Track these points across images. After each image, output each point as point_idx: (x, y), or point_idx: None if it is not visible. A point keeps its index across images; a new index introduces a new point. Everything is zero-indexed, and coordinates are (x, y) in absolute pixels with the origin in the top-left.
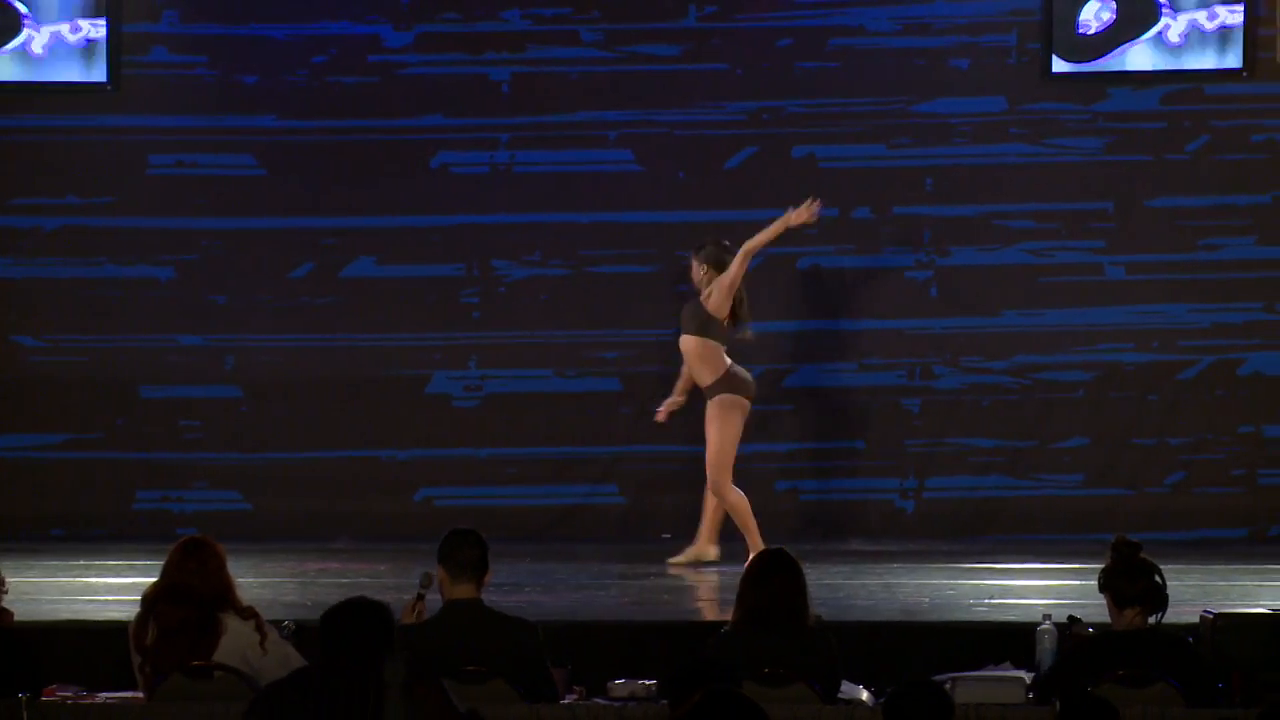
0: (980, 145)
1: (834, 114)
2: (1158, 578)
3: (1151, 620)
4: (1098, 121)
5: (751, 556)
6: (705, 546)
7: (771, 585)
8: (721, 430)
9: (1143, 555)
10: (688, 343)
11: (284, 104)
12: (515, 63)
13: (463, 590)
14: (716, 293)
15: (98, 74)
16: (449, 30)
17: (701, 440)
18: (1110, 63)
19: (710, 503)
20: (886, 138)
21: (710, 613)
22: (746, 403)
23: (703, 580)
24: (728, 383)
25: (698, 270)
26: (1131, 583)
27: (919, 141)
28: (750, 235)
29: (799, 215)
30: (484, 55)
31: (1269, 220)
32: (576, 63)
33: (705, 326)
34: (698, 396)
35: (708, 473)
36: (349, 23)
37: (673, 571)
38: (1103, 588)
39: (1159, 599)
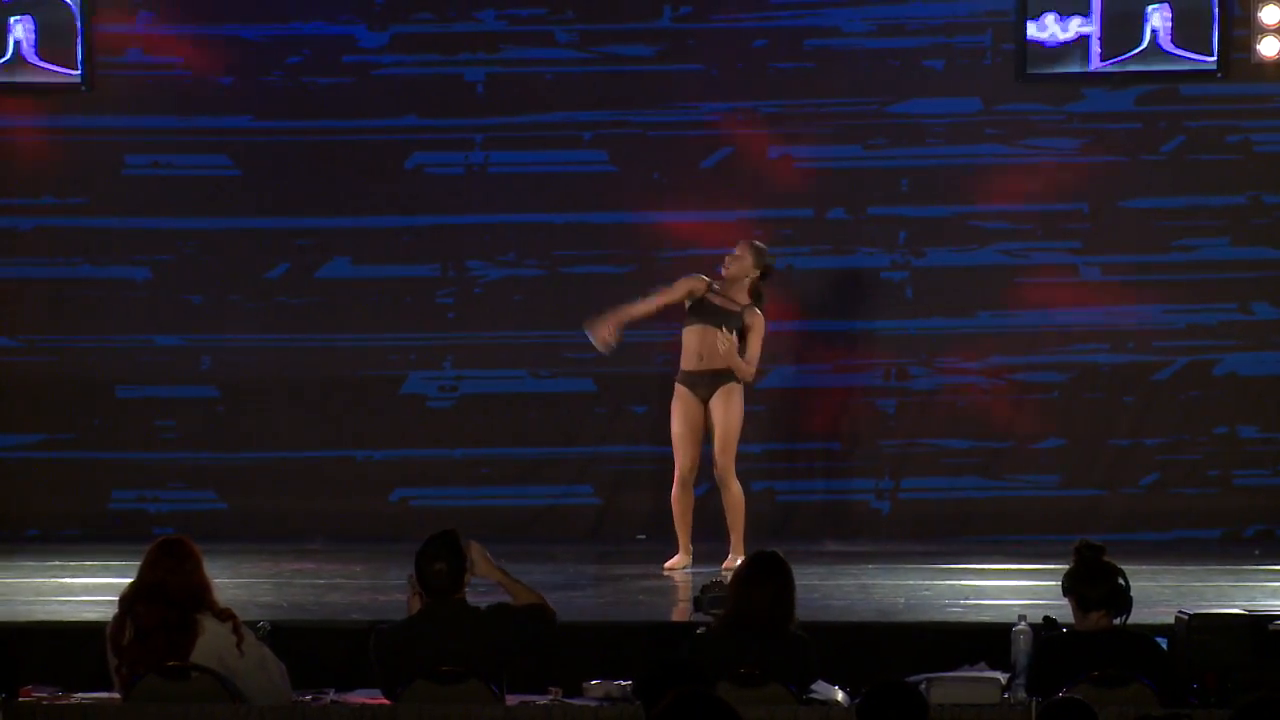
0: (955, 146)
1: (809, 115)
2: (1121, 580)
3: (1116, 623)
4: (1072, 122)
5: (746, 557)
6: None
7: (761, 590)
8: (737, 415)
9: (1106, 558)
10: (716, 337)
11: (259, 104)
12: (490, 63)
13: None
14: (758, 350)
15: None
16: (424, 31)
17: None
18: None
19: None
20: (862, 138)
21: (685, 614)
22: None
23: (677, 581)
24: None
25: (743, 264)
26: (1094, 586)
27: (894, 142)
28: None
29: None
30: (459, 56)
31: (1244, 221)
32: (551, 63)
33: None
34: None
35: (721, 460)
36: (323, 23)
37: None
38: (1066, 591)
39: (1123, 602)
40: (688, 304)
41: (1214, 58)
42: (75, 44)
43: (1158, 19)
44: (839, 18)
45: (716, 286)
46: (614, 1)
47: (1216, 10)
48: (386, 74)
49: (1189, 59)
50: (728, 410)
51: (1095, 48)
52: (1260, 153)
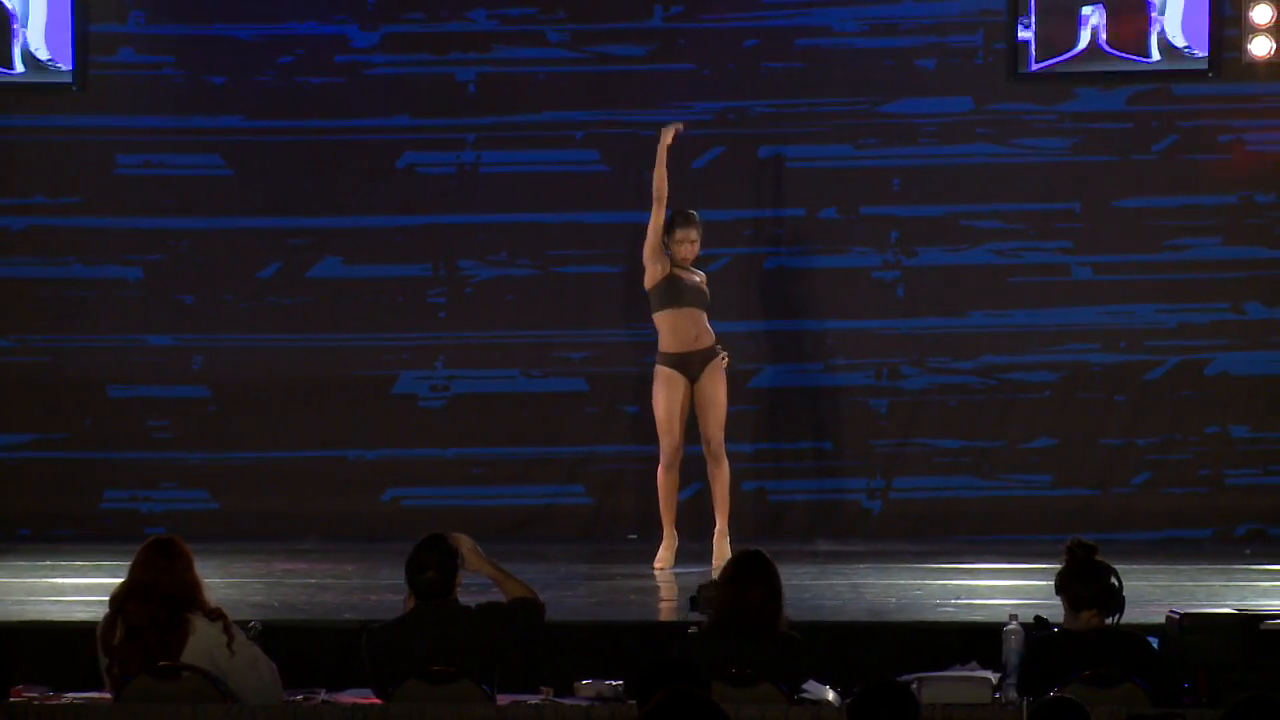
0: (947, 145)
1: (801, 114)
2: (1114, 580)
3: (1108, 622)
4: (1064, 122)
5: (730, 558)
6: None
7: (747, 589)
8: (725, 387)
9: (1098, 557)
10: (701, 316)
11: (251, 104)
12: (481, 63)
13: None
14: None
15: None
16: (415, 30)
17: None
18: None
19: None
20: (853, 138)
21: (676, 613)
22: None
23: (669, 581)
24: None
25: (695, 245)
26: (1087, 585)
27: (886, 142)
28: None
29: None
30: (450, 55)
31: (1235, 221)
32: (543, 63)
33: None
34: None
35: (718, 435)
36: (315, 23)
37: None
38: (1058, 590)
39: (1115, 601)
40: (654, 283)
41: (1151, 59)
42: (11, 43)
43: (1096, 19)
44: (830, 17)
45: (676, 265)
46: (605, 1)
47: (1153, 11)
48: (378, 74)
49: (1127, 59)
50: (720, 385)
51: (1032, 49)
52: (1252, 152)
